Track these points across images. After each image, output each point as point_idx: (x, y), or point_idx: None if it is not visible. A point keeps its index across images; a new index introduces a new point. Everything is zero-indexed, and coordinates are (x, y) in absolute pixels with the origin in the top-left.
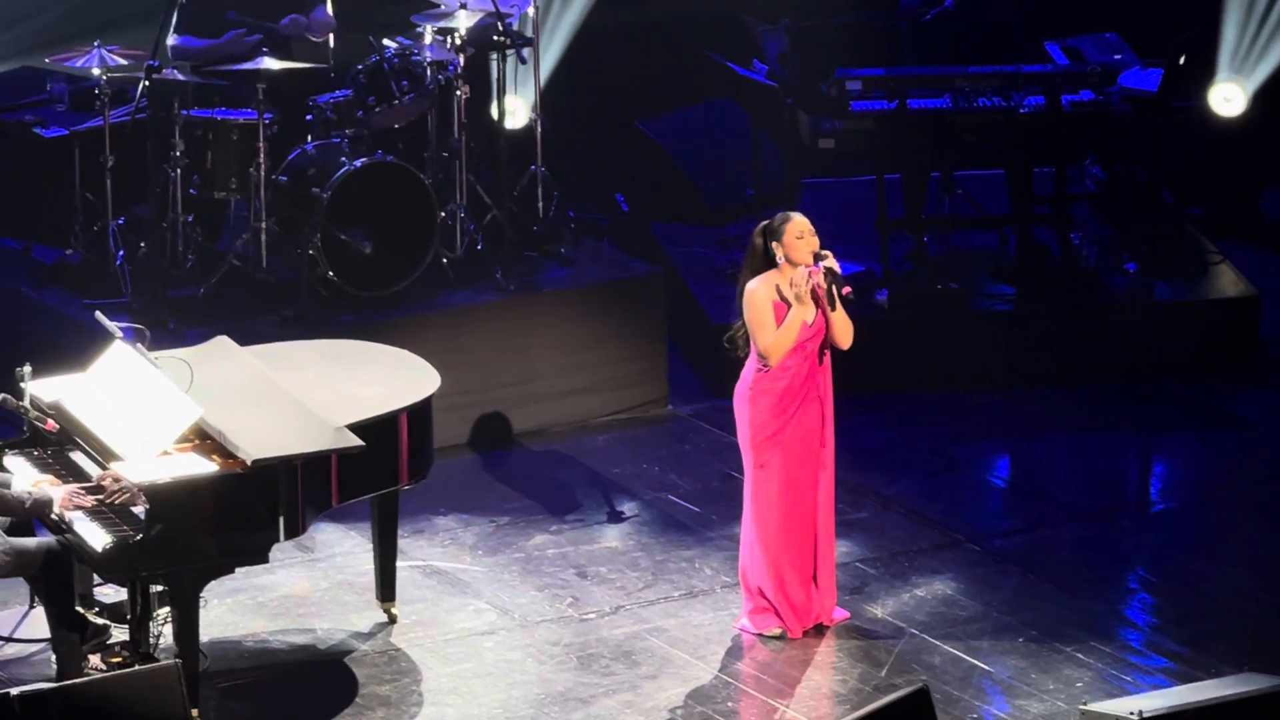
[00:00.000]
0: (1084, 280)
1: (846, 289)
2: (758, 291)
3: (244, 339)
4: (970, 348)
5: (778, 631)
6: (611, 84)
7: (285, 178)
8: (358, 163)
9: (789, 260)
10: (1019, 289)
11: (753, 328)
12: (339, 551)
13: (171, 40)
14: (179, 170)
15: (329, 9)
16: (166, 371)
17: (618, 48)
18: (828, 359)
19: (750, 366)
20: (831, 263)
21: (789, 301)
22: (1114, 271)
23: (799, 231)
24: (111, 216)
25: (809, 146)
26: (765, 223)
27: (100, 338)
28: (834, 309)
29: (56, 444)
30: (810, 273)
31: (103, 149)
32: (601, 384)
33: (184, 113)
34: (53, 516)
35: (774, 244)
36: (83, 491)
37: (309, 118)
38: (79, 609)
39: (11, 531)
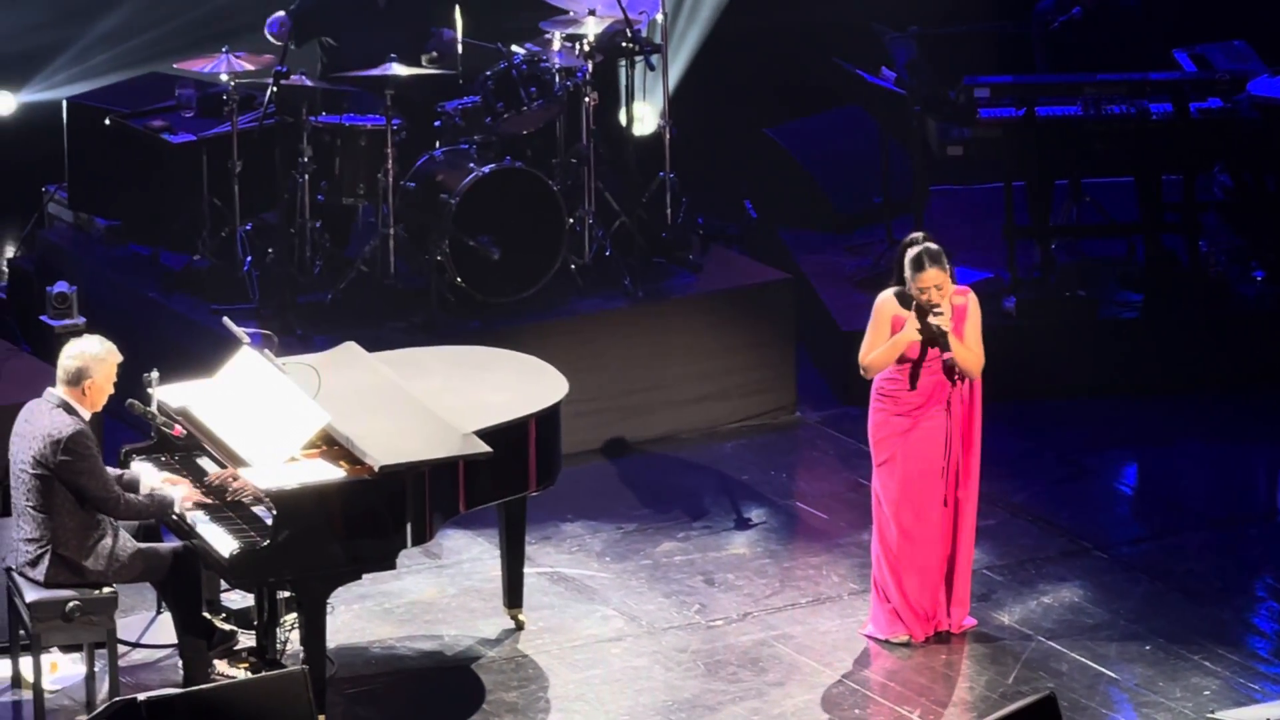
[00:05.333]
0: (1212, 288)
1: (947, 354)
2: (885, 302)
3: (371, 345)
4: (1098, 355)
5: (904, 638)
6: (740, 90)
7: (413, 184)
8: (486, 169)
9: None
10: (1147, 297)
11: (867, 333)
12: (466, 558)
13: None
14: (307, 176)
15: (458, 26)
16: (294, 377)
17: (746, 54)
18: (966, 380)
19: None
20: (940, 321)
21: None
22: (1242, 280)
23: (922, 285)
24: (239, 222)
25: (937, 154)
26: (907, 247)
27: (228, 343)
28: (946, 350)
29: (183, 449)
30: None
31: (230, 155)
32: (730, 391)
33: (312, 119)
34: (174, 518)
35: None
36: (202, 490)
37: (437, 124)
38: (206, 614)
39: (140, 536)
